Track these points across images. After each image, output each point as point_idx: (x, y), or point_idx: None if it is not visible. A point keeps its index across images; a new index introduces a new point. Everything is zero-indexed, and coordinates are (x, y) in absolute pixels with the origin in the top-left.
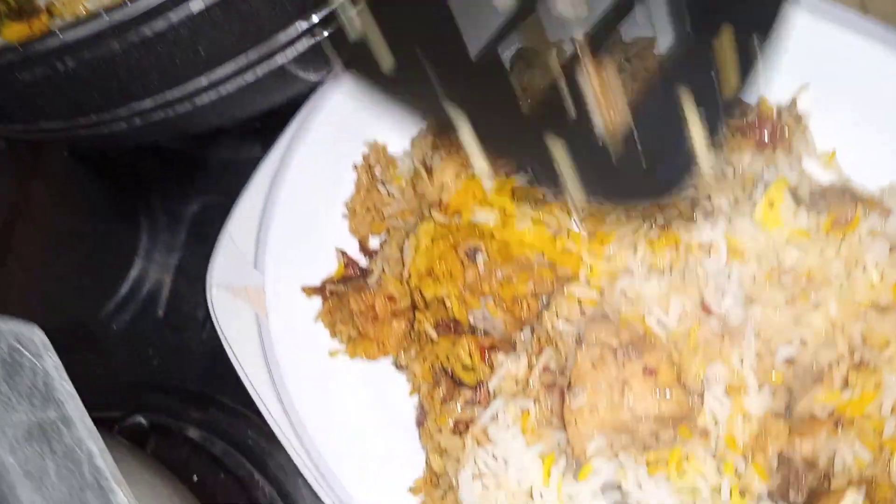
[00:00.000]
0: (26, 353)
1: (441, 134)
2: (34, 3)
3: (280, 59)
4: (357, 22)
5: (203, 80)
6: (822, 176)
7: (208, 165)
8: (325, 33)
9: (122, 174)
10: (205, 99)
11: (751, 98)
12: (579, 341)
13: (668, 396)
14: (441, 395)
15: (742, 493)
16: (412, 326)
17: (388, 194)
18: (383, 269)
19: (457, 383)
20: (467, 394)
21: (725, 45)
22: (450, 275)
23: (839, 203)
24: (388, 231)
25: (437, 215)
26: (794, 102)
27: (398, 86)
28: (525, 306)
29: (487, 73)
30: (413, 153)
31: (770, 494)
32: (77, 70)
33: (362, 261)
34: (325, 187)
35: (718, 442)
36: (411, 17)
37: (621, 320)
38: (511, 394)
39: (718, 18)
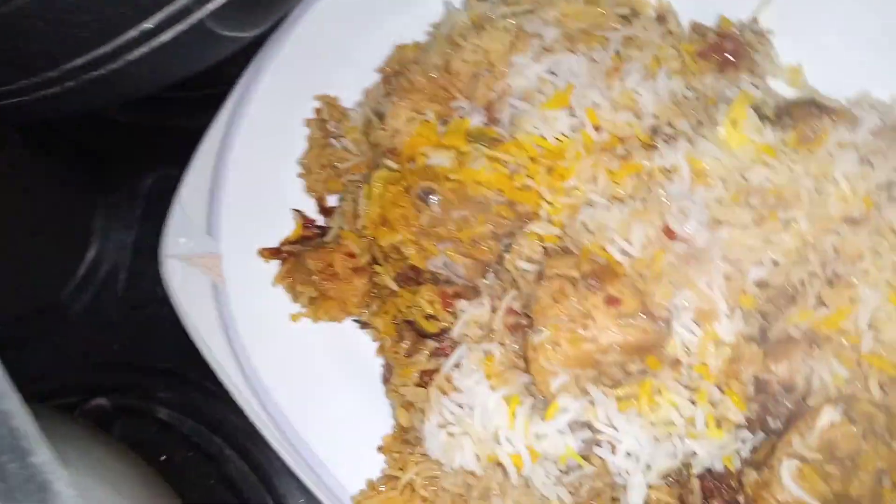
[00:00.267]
0: None
1: (393, 77)
2: None
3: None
4: None
5: (133, 33)
6: (788, 92)
7: (162, 136)
8: None
9: (75, 152)
10: (136, 54)
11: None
12: (540, 277)
13: (633, 324)
14: (406, 348)
15: (718, 424)
16: (374, 283)
17: (344, 148)
18: (341, 226)
19: (421, 335)
20: (432, 345)
21: None
22: (405, 220)
23: (806, 117)
24: (344, 187)
25: (389, 162)
26: (755, 19)
27: None
28: (486, 248)
29: None
30: (366, 102)
31: (749, 423)
32: None
33: (321, 221)
34: (277, 146)
35: (690, 372)
36: None
37: (583, 253)
38: (476, 340)
39: None
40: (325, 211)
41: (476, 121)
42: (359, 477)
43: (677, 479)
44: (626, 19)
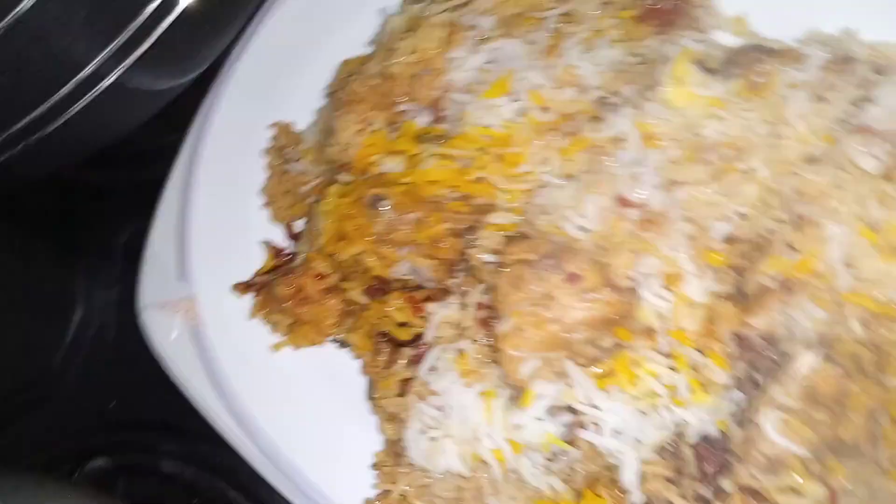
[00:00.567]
0: None
1: (338, 90)
2: None
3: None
4: None
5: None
6: (736, 43)
7: (129, 191)
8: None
9: (44, 219)
10: (56, 124)
11: None
12: (500, 266)
13: (597, 298)
14: (384, 360)
15: (704, 388)
16: (346, 300)
17: (302, 172)
18: (307, 249)
19: (397, 344)
20: (409, 353)
21: None
22: (360, 231)
23: (751, 63)
24: (309, 210)
25: (343, 176)
26: None
27: None
28: (447, 246)
29: None
30: (318, 122)
31: (740, 384)
32: None
33: (293, 247)
34: (238, 181)
35: (668, 339)
36: None
37: (540, 234)
38: (451, 340)
39: None
40: (295, 237)
41: (424, 121)
42: (358, 498)
43: (674, 452)
44: None
